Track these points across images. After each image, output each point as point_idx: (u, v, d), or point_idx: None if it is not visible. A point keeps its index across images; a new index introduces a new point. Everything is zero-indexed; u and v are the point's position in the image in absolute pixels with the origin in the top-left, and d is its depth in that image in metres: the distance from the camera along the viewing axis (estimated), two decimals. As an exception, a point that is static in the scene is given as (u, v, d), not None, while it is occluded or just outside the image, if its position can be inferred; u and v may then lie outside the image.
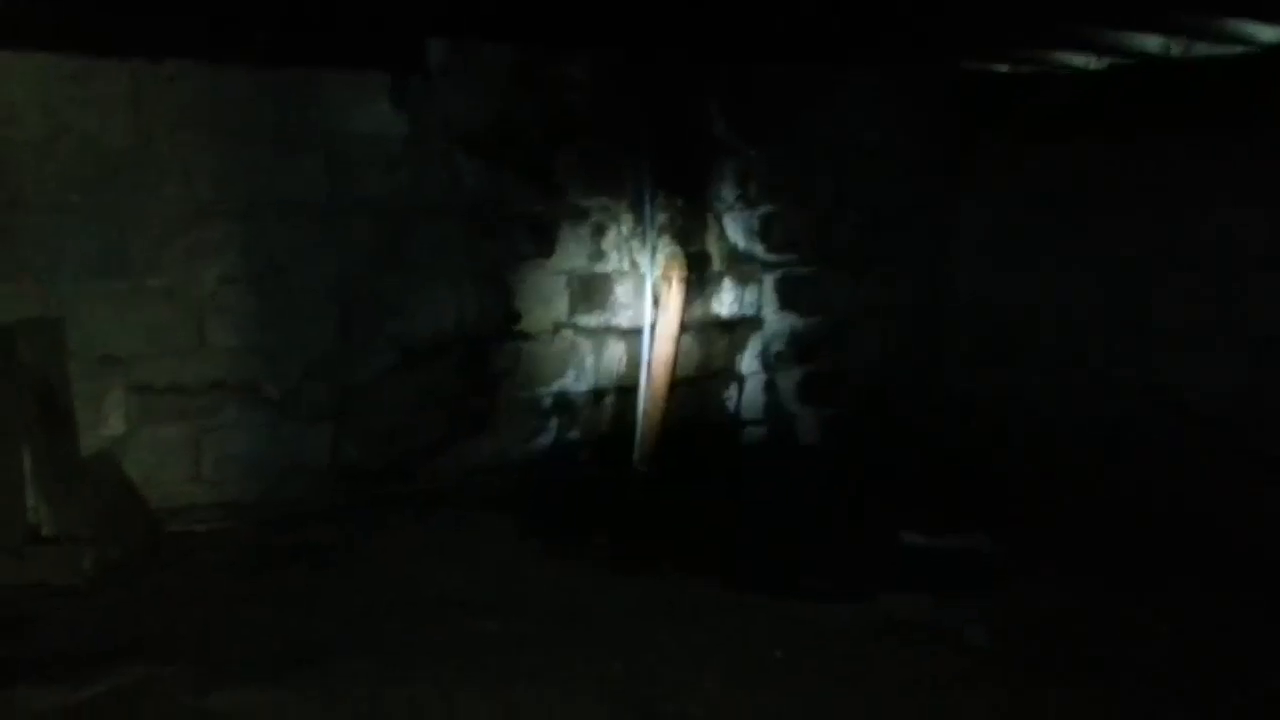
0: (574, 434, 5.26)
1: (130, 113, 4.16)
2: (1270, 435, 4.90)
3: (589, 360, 5.25)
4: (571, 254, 5.17)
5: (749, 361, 5.75)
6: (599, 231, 5.22)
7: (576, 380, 5.23)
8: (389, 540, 4.36)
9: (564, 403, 5.22)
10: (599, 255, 5.24)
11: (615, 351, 5.32)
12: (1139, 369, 5.40)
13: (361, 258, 4.67)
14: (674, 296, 5.29)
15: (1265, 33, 4.65)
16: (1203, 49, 5.04)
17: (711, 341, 5.60)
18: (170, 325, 4.29)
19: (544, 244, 5.11)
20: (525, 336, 5.09)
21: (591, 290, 5.24)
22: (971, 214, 6.20)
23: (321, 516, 4.55)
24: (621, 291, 5.31)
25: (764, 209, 5.67)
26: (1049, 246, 5.80)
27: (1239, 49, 4.93)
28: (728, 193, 5.55)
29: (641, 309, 5.31)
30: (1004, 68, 5.84)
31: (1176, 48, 5.23)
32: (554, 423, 5.20)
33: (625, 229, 5.29)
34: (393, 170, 4.71)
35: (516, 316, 5.06)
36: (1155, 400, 5.31)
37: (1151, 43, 5.11)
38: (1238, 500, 4.79)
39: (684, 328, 5.36)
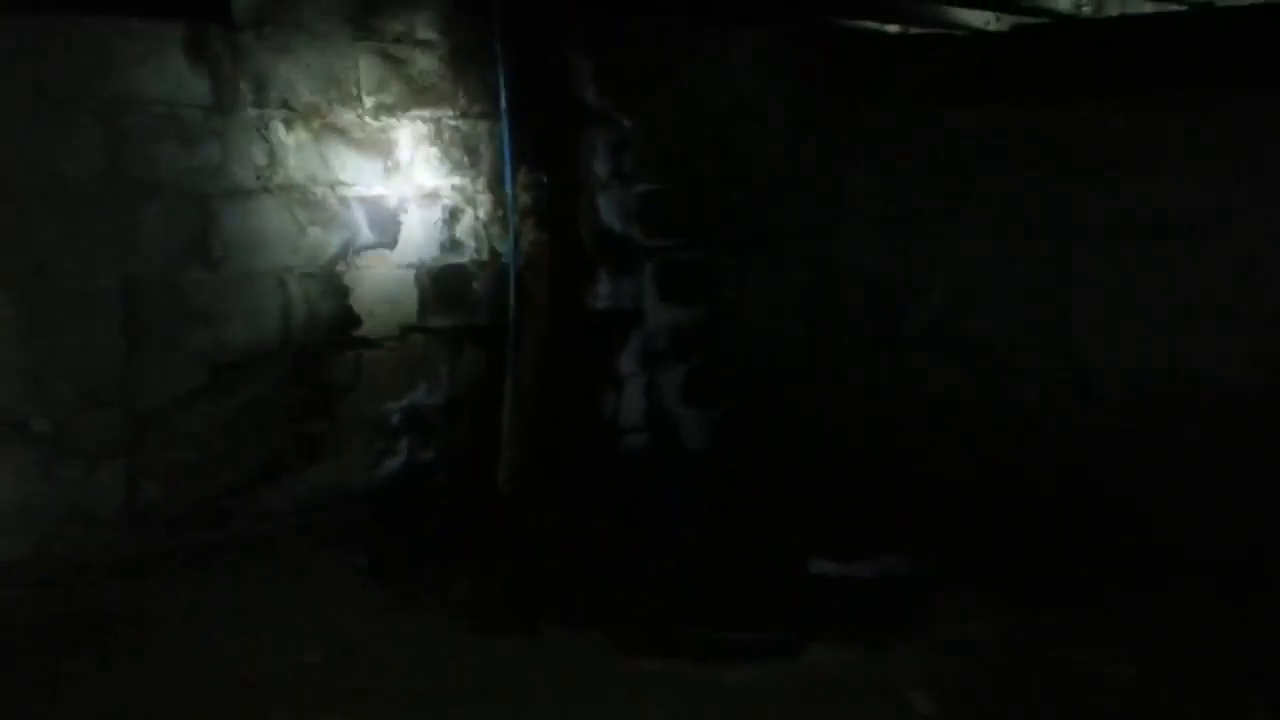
0: (428, 454, 4.50)
1: None
2: (1190, 421, 4.50)
3: (444, 369, 4.50)
4: (420, 244, 4.40)
5: (627, 361, 5.08)
6: (453, 217, 4.47)
7: (430, 393, 4.47)
8: (198, 603, 3.53)
9: (416, 419, 4.45)
10: (453, 245, 4.48)
11: (474, 356, 4.58)
12: (1049, 352, 4.95)
13: (156, 253, 3.81)
14: (541, 291, 4.57)
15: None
16: (1114, 7, 4.60)
17: (586, 340, 4.90)
18: (-105, 346, 3.36)
19: (387, 232, 4.32)
20: (367, 343, 4.30)
21: (445, 286, 4.48)
22: (861, 186, 5.63)
23: (114, 573, 3.71)
24: (480, 286, 4.56)
25: (641, 187, 4.99)
26: (946, 221, 5.29)
27: (1154, 7, 4.50)
28: (601, 169, 4.85)
29: (505, 306, 4.57)
30: (893, 27, 5.32)
31: (1088, 6, 4.80)
32: (405, 443, 4.43)
33: (483, 212, 4.55)
34: (191, 144, 3.86)
35: (356, 320, 4.27)
36: (1068, 386, 4.87)
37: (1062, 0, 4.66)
38: (1162, 492, 4.40)
39: (553, 326, 4.65)
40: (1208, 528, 4.17)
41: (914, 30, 5.20)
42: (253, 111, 3.97)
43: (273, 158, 4.03)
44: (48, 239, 3.60)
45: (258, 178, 4.00)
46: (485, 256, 4.58)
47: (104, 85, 3.67)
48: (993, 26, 5.05)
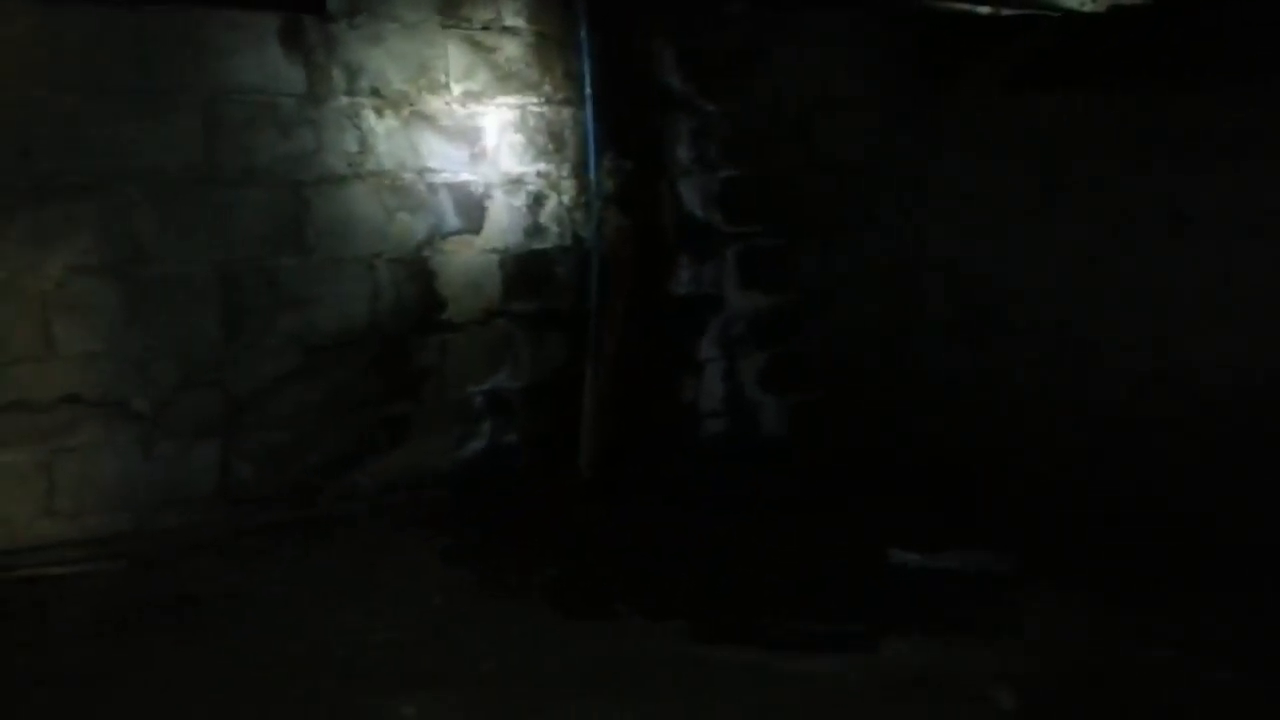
0: (510, 438, 4.55)
1: (-56, 62, 3.33)
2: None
3: (526, 352, 4.54)
4: (505, 229, 4.44)
5: (707, 346, 5.07)
6: (537, 202, 4.50)
7: (512, 376, 4.52)
8: (288, 580, 3.63)
9: (498, 402, 4.51)
10: (537, 230, 4.52)
11: (556, 340, 4.61)
12: (1145, 346, 4.81)
13: (251, 238, 3.91)
14: (623, 276, 4.59)
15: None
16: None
17: (667, 325, 4.90)
18: (6, 328, 3.48)
19: (472, 217, 4.37)
20: (451, 327, 4.36)
21: (528, 271, 4.51)
22: (946, 172, 5.52)
23: (208, 550, 3.82)
24: (563, 271, 4.59)
25: (724, 173, 4.97)
26: (1038, 210, 5.16)
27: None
28: (683, 155, 4.83)
29: (587, 291, 4.59)
30: (985, 9, 5.18)
31: (1187, -14, 4.62)
32: (487, 425, 4.49)
33: (567, 198, 4.57)
34: (287, 132, 3.94)
35: (441, 304, 4.32)
36: (1163, 381, 4.73)
37: (1163, -20, 4.49)
38: (1260, 493, 4.25)
39: (635, 311, 4.66)
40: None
41: (1006, 12, 5.07)
42: (345, 100, 4.04)
43: (363, 145, 4.10)
44: (148, 226, 3.71)
45: (349, 165, 4.07)
46: (568, 242, 4.61)
47: (204, 75, 3.77)
48: (1088, 8, 4.89)
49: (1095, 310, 4.90)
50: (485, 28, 4.32)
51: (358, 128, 4.08)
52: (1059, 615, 3.47)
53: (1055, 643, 3.30)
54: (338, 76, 4.02)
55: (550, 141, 4.52)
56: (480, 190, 4.37)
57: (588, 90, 4.51)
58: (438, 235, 4.30)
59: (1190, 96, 4.57)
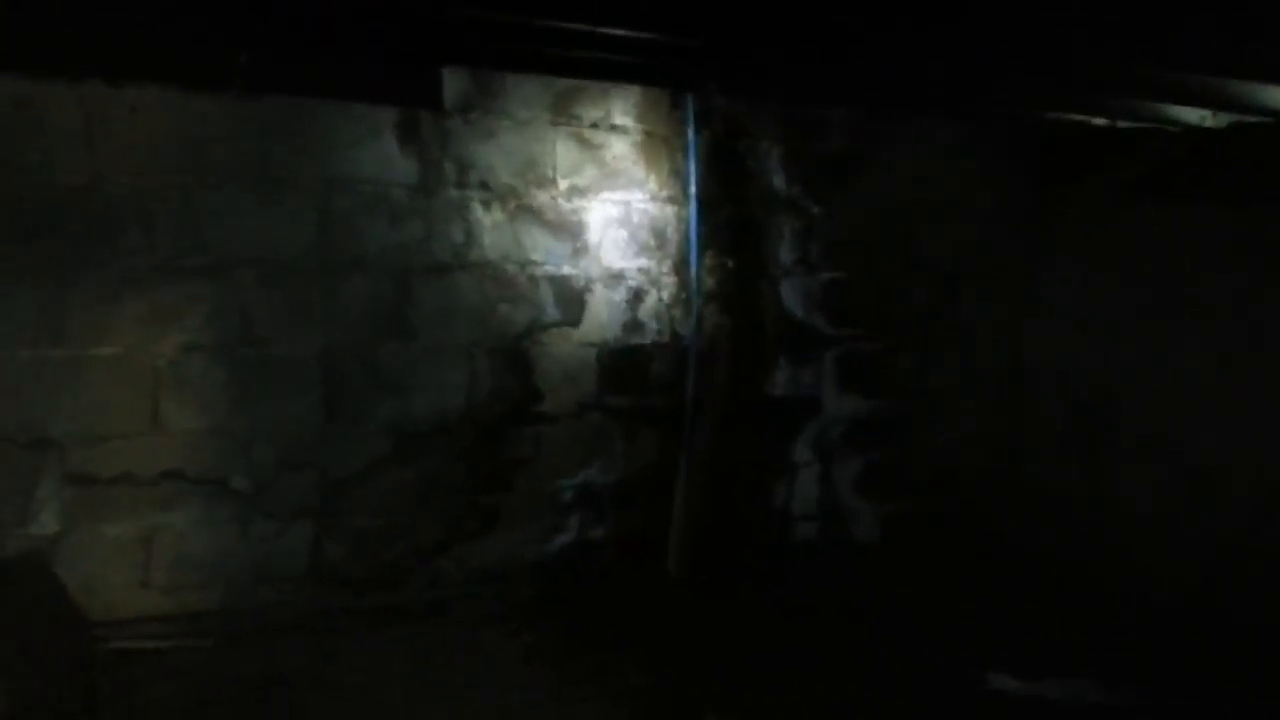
0: (599, 532, 4.50)
1: (81, 148, 3.48)
2: None
3: (619, 447, 4.50)
4: (604, 323, 4.44)
5: (802, 449, 4.98)
6: (636, 297, 4.50)
7: (604, 471, 4.48)
8: (372, 668, 3.60)
9: (588, 496, 4.47)
10: (635, 325, 4.51)
11: (648, 436, 4.57)
12: (1265, 468, 4.58)
13: (355, 324, 3.97)
14: (721, 374, 4.55)
15: None
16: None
17: (762, 426, 4.83)
18: (118, 403, 3.58)
19: (571, 310, 4.38)
20: (546, 419, 4.35)
21: (625, 366, 4.50)
22: (1057, 281, 5.41)
23: (296, 630, 3.83)
24: (659, 367, 4.57)
25: (826, 275, 4.92)
26: (1151, 326, 5.00)
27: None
28: (786, 255, 4.81)
29: (683, 388, 4.56)
30: (1100, 121, 5.09)
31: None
32: (576, 520, 4.44)
33: (667, 295, 4.56)
34: (398, 222, 4.02)
35: (537, 395, 4.33)
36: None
37: (1281, 96, 4.36)
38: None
39: (731, 410, 4.61)
40: None
41: (1122, 124, 4.98)
42: (454, 192, 4.11)
43: (469, 236, 4.15)
44: (258, 310, 3.79)
45: (454, 255, 4.12)
46: (666, 338, 4.59)
47: (320, 164, 3.87)
48: (1208, 123, 4.77)
49: (1218, 429, 4.69)
50: (594, 125, 4.38)
51: (465, 219, 4.14)
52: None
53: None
54: (449, 169, 4.10)
55: (652, 238, 4.53)
56: (581, 284, 4.39)
57: (692, 188, 4.53)
58: (537, 327, 4.32)
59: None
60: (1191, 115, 4.70)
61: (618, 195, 4.46)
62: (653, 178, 4.52)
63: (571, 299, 4.38)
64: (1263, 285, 4.56)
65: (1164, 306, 4.93)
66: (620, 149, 4.44)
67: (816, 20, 3.18)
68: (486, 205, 4.19)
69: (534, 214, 4.29)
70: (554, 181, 4.32)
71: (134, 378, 3.61)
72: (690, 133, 4.52)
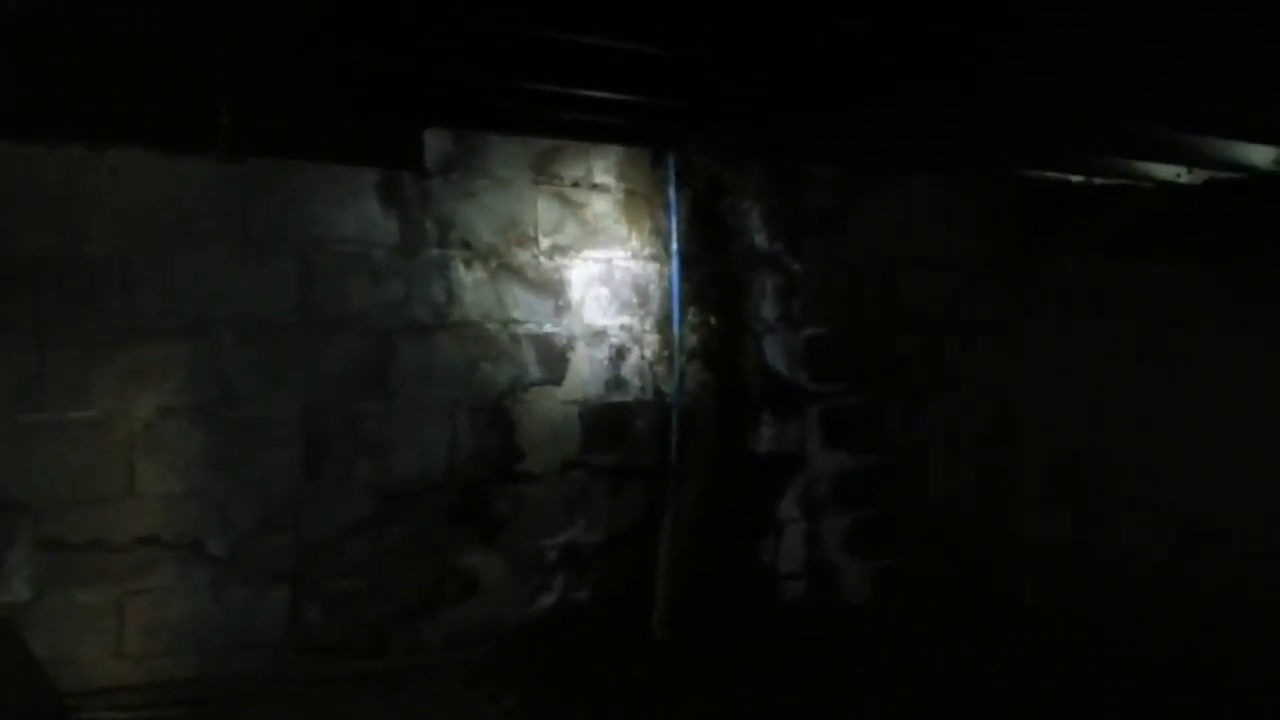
0: (582, 593, 4.44)
1: (60, 210, 3.46)
2: None
3: (603, 506, 4.46)
4: (586, 381, 4.42)
5: (788, 506, 4.94)
6: (619, 355, 4.49)
7: (587, 530, 4.43)
8: (352, 737, 3.54)
9: (572, 556, 4.41)
10: (618, 383, 4.49)
11: (632, 495, 4.53)
12: (1254, 518, 4.56)
13: (336, 384, 3.94)
14: (705, 431, 4.53)
15: None
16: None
17: (748, 484, 4.79)
18: (93, 467, 3.53)
19: (554, 369, 4.37)
20: (529, 478, 4.31)
21: (608, 423, 4.47)
22: (1042, 337, 5.44)
23: (274, 697, 3.74)
24: (642, 425, 4.54)
25: (809, 330, 4.92)
26: (1135, 378, 5.02)
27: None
28: (768, 312, 4.81)
29: (667, 446, 4.53)
30: (1077, 178, 5.14)
31: (1290, 161, 4.53)
32: (560, 580, 4.39)
33: (649, 352, 4.55)
34: (379, 282, 4.01)
35: (519, 454, 4.29)
36: (1276, 556, 4.47)
37: (1260, 155, 4.40)
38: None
39: (716, 468, 4.58)
40: None
41: (1099, 181, 5.02)
42: (436, 251, 4.11)
43: (451, 295, 4.14)
44: (238, 370, 3.75)
45: (435, 314, 4.11)
46: (649, 396, 4.56)
47: (301, 225, 3.86)
48: (1184, 179, 4.81)
49: (1206, 480, 4.69)
50: (575, 184, 4.40)
51: (447, 279, 4.13)
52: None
53: None
54: (430, 229, 4.10)
55: (635, 295, 4.53)
56: (563, 342, 4.37)
57: (674, 246, 4.54)
58: (519, 385, 4.30)
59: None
60: (1167, 172, 4.74)
61: (599, 253, 4.46)
62: (634, 235, 4.53)
63: (554, 357, 4.37)
64: (1241, 335, 4.59)
65: (1147, 358, 4.96)
66: (602, 207, 4.45)
67: (795, 84, 3.21)
68: (468, 264, 4.19)
69: (516, 273, 4.29)
70: (535, 240, 4.32)
71: (110, 441, 3.56)
72: (671, 191, 4.54)
